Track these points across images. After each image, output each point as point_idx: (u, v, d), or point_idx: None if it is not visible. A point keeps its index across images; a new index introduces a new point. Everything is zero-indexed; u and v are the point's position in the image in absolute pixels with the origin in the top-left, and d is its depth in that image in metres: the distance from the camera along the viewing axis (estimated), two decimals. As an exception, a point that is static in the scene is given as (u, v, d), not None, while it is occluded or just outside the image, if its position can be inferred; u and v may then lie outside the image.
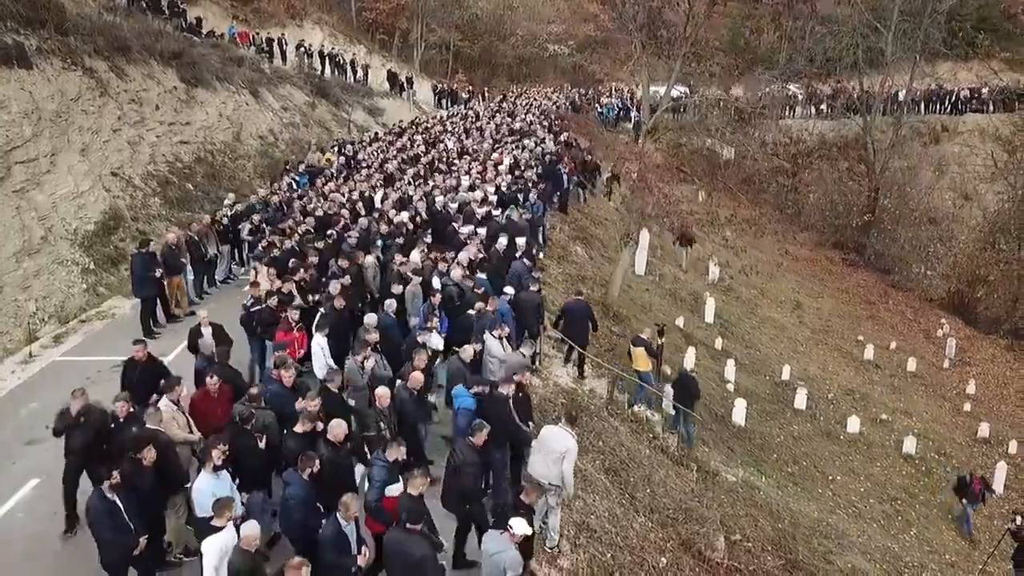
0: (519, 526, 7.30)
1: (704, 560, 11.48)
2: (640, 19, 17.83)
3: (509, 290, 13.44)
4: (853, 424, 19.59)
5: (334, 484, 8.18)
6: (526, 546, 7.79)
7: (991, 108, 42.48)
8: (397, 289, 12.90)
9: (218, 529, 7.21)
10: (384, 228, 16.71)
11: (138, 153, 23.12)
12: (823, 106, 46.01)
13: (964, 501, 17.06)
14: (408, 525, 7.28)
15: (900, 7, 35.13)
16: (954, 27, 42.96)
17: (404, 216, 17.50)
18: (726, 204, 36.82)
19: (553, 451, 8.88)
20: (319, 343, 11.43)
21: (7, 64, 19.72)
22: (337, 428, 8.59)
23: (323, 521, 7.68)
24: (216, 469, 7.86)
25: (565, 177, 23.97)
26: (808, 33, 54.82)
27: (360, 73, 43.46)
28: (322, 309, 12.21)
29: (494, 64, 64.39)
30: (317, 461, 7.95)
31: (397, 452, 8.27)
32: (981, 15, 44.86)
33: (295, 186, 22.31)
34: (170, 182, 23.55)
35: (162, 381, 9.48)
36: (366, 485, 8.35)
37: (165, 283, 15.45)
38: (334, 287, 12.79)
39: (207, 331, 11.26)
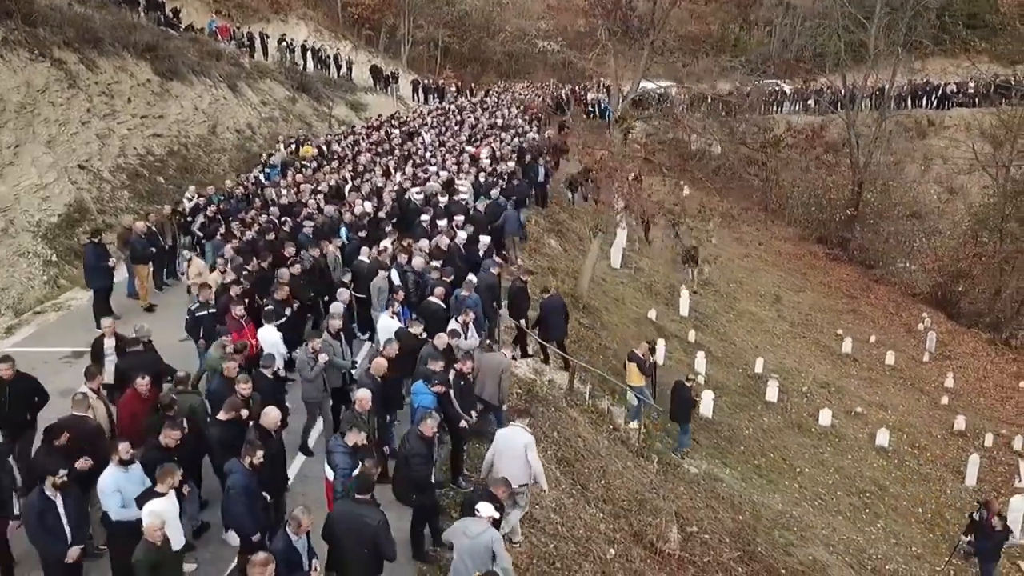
0: (486, 509, 7.25)
1: (656, 552, 11.30)
2: (607, 5, 17.61)
3: (472, 277, 13.26)
4: (825, 417, 19.42)
5: (267, 474, 8.03)
6: None
7: (977, 103, 42.39)
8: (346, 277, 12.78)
9: (161, 495, 7.11)
10: (348, 218, 16.54)
11: (107, 146, 22.87)
12: (810, 101, 45.91)
13: (969, 541, 14.63)
14: (357, 496, 7.16)
15: (885, 0, 34.98)
16: (945, 21, 42.93)
17: (368, 206, 17.30)
18: (704, 197, 36.79)
19: (513, 449, 8.76)
20: (269, 334, 11.26)
21: (-30, 54, 19.54)
22: (269, 416, 8.41)
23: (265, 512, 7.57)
24: (124, 463, 7.57)
25: (543, 170, 23.79)
26: (796, 28, 54.92)
27: (344, 68, 43.21)
28: (267, 301, 12.02)
29: (483, 60, 64.22)
30: (260, 451, 7.66)
31: (356, 437, 8.12)
32: (971, 10, 44.76)
33: (265, 179, 22.07)
34: (140, 175, 23.30)
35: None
36: (331, 474, 8.19)
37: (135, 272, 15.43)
38: (283, 276, 12.64)
39: (110, 343, 10.77)
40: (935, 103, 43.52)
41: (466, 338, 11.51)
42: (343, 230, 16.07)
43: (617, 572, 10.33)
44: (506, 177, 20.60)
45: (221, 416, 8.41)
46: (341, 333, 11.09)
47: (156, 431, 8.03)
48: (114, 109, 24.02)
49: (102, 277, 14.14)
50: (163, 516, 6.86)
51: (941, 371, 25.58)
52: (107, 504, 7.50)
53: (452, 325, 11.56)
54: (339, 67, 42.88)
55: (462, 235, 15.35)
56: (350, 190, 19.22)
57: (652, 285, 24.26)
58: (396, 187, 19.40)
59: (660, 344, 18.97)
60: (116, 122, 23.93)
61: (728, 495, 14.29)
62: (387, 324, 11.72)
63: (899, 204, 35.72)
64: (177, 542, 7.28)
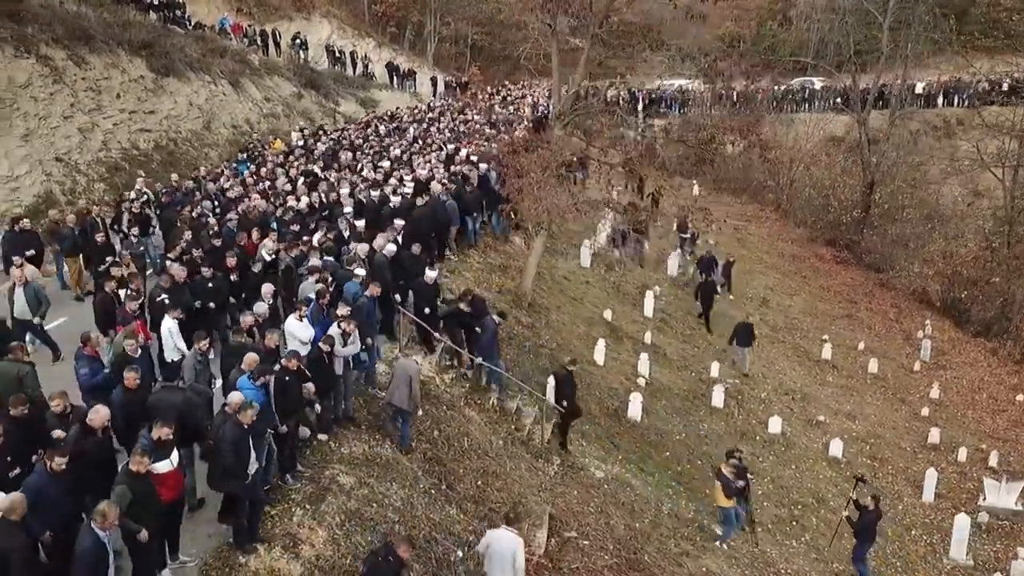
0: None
1: (513, 556, 11.06)
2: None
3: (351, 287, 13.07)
4: (775, 424, 18.79)
5: (89, 476, 7.76)
6: None
7: (1012, 101, 40.40)
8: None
9: None
10: (279, 212, 16.68)
11: (89, 140, 23.59)
12: (839, 100, 44.48)
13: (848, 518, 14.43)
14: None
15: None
16: (973, 16, 41.17)
17: (303, 203, 17.42)
18: (714, 198, 35.99)
19: (502, 554, 8.89)
20: (168, 326, 11.35)
21: (-50, 51, 20.34)
22: (96, 415, 8.14)
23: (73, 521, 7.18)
24: None
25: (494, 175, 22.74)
26: (836, 25, 53.12)
27: (360, 66, 43.64)
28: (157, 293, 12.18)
29: (515, 58, 63.95)
30: (64, 458, 7.23)
31: (160, 432, 8.07)
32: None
33: (234, 173, 22.42)
34: (120, 168, 23.96)
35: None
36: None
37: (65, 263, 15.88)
38: (176, 270, 12.77)
39: None
40: (966, 101, 41.64)
41: (344, 345, 11.29)
42: (272, 223, 16.14)
43: (459, 574, 10.19)
44: (460, 178, 20.26)
45: (54, 407, 8.34)
46: (255, 330, 11.05)
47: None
48: (100, 104, 24.75)
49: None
50: None
51: (930, 381, 24.49)
52: None
53: (332, 331, 11.35)
54: (354, 64, 43.30)
55: (391, 248, 14.65)
56: (293, 186, 19.30)
57: (621, 285, 23.85)
58: (355, 185, 19.34)
59: (601, 344, 18.67)
60: (102, 117, 24.67)
61: (631, 501, 13.96)
62: (293, 328, 11.47)
63: (909, 206, 34.28)
64: None
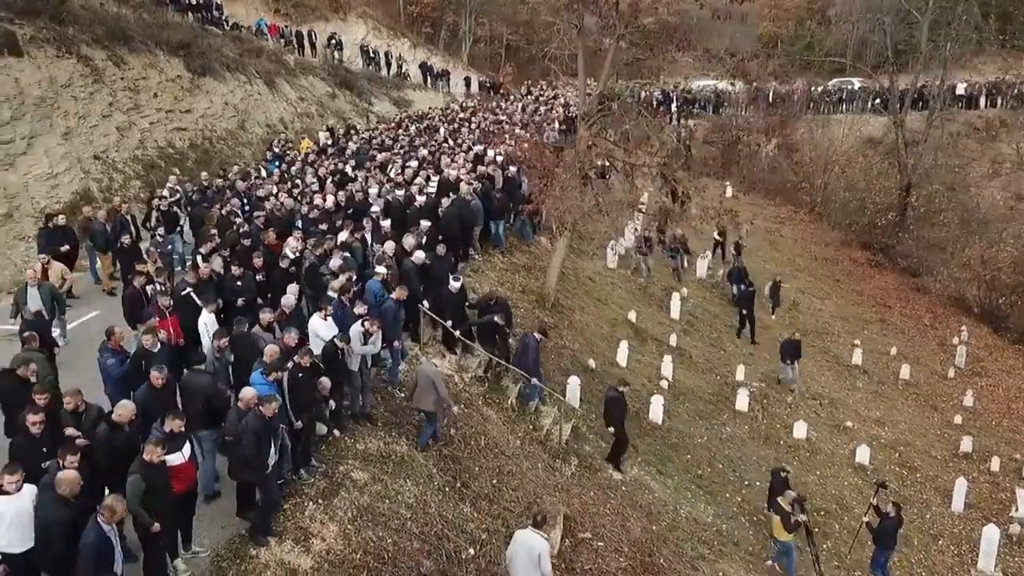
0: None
1: (526, 554, 11.10)
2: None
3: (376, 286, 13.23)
4: (800, 429, 18.56)
5: (112, 471, 7.92)
6: None
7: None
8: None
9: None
10: (305, 210, 16.88)
11: (126, 138, 24.13)
12: (876, 101, 43.72)
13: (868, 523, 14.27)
14: None
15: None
16: (1015, 17, 40.17)
17: (329, 200, 17.61)
18: (747, 199, 35.62)
19: (528, 555, 9.12)
20: (204, 320, 11.42)
21: (-6, 51, 20.95)
22: (123, 410, 8.28)
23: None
24: None
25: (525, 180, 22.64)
26: (875, 25, 52.26)
27: (394, 66, 43.99)
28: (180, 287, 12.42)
29: (548, 58, 63.87)
30: (75, 456, 7.31)
31: (172, 424, 8.30)
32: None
33: (266, 172, 22.75)
34: (156, 166, 24.46)
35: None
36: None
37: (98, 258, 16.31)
38: (216, 262, 13.00)
39: None
40: (1009, 103, 40.66)
41: (364, 344, 11.41)
42: (298, 222, 16.35)
43: (469, 572, 10.25)
44: (487, 179, 20.28)
45: (67, 405, 8.54)
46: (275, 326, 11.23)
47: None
48: (138, 103, 25.30)
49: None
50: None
51: (965, 388, 23.96)
52: None
53: (354, 329, 11.48)
54: (389, 64, 43.66)
55: (420, 255, 14.67)
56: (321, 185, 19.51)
57: (647, 287, 23.72)
58: (382, 184, 19.50)
59: (623, 346, 18.60)
60: (139, 116, 25.21)
61: (648, 503, 13.93)
62: (318, 327, 11.58)
63: (947, 209, 33.52)
64: (18, 544, 7.00)
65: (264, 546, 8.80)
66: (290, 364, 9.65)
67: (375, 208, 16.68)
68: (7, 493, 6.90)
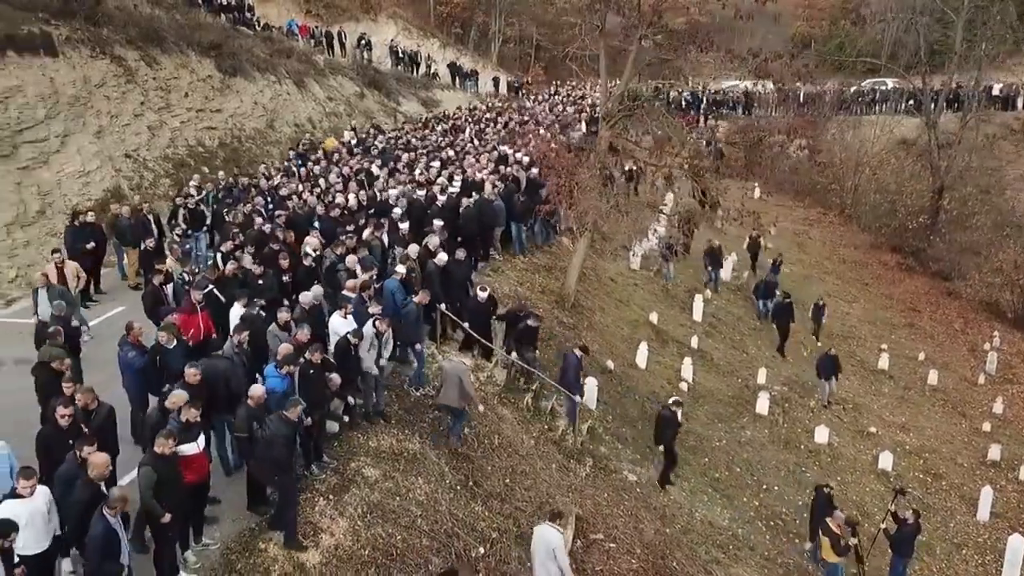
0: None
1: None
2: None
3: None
4: (822, 434, 18.36)
5: None
6: None
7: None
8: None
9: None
10: (322, 210, 17.04)
11: (157, 137, 24.56)
12: (910, 102, 42.98)
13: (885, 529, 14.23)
14: None
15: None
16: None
17: (351, 199, 17.79)
18: (773, 200, 35.28)
19: (545, 549, 9.30)
20: (236, 313, 11.61)
21: (32, 52, 21.42)
22: (176, 397, 8.47)
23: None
24: None
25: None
26: (908, 25, 51.46)
27: (424, 66, 44.24)
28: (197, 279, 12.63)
29: (581, 59, 63.80)
30: (93, 447, 7.56)
31: (189, 414, 8.46)
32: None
33: (286, 172, 23.02)
34: (185, 164, 24.87)
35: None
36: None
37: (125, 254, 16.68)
38: (246, 259, 13.21)
39: None
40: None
41: (377, 344, 11.49)
42: (315, 221, 16.53)
43: (479, 571, 10.32)
44: (511, 180, 20.26)
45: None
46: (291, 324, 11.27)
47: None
48: (169, 103, 25.74)
49: (80, 259, 15.23)
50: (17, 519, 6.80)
51: (995, 395, 23.52)
52: None
53: (366, 329, 11.59)
54: (418, 64, 43.92)
55: (442, 257, 14.69)
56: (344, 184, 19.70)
57: (669, 288, 23.61)
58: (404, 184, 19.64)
59: (643, 347, 18.55)
60: (170, 115, 25.65)
61: (663, 506, 13.89)
62: (337, 325, 11.71)
63: (981, 213, 32.84)
64: (33, 546, 7.08)
65: (298, 548, 8.86)
66: (301, 360, 9.78)
67: (397, 209, 16.79)
68: (22, 497, 7.00)
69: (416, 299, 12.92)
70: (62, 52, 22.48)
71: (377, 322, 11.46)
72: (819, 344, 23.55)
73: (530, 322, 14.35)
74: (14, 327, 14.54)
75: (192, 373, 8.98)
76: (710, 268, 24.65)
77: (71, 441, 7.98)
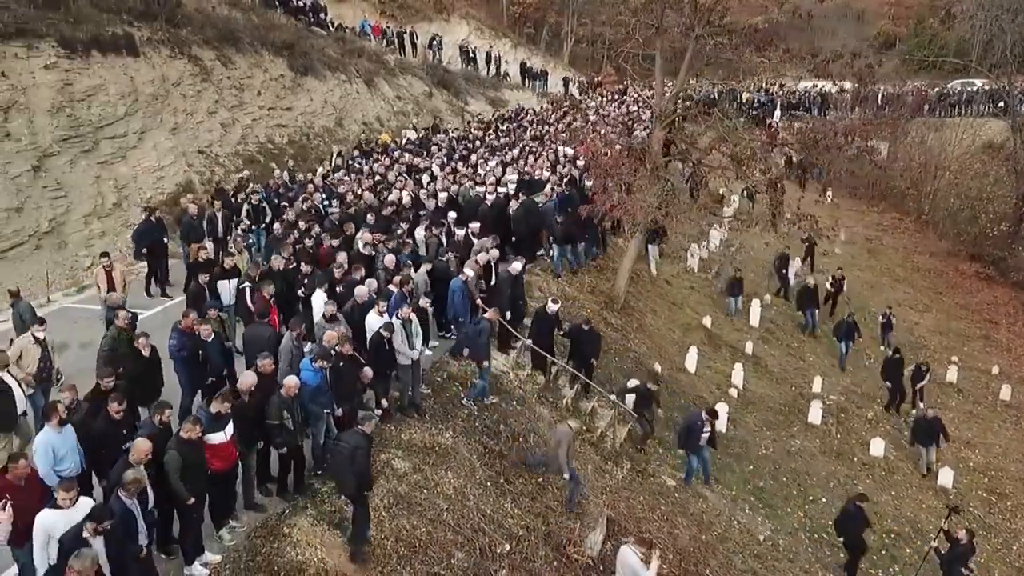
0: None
1: (563, 555, 11.18)
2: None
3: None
4: (877, 447, 17.76)
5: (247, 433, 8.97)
6: None
7: None
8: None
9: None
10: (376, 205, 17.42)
11: (229, 134, 25.54)
12: (998, 104, 40.97)
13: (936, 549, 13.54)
14: None
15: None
16: None
17: (405, 196, 18.11)
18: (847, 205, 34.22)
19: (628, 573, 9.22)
20: (319, 299, 12.09)
21: (115, 52, 22.57)
22: (246, 380, 9.19)
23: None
24: (61, 423, 7.99)
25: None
26: (996, 24, 49.18)
27: (493, 66, 44.56)
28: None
29: (654, 59, 63.19)
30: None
31: (220, 406, 8.82)
32: None
33: (347, 170, 23.57)
34: (255, 160, 25.76)
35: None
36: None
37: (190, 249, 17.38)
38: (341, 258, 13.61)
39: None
40: None
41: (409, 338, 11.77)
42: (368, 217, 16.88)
43: (502, 567, 10.42)
44: (570, 181, 20.13)
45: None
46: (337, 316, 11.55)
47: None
48: (242, 101, 26.72)
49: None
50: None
51: (1075, 414, 22.29)
52: (39, 464, 7.81)
53: (396, 321, 11.79)
54: (488, 64, 44.26)
55: (516, 266, 14.93)
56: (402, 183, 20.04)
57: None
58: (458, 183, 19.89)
59: (692, 351, 18.31)
60: (243, 112, 26.63)
61: (700, 512, 13.73)
62: (373, 322, 11.78)
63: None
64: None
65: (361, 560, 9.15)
66: (333, 353, 10.07)
67: (451, 213, 17.00)
68: (60, 507, 6.81)
69: (487, 315, 13.08)
70: (143, 52, 23.58)
71: (400, 312, 11.63)
72: (921, 406, 19.84)
73: (650, 385, 14.66)
74: (82, 312, 15.39)
75: (266, 364, 9.54)
76: (807, 311, 22.91)
77: (125, 431, 8.37)
